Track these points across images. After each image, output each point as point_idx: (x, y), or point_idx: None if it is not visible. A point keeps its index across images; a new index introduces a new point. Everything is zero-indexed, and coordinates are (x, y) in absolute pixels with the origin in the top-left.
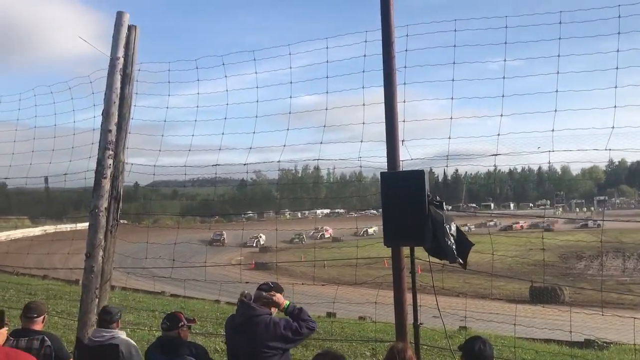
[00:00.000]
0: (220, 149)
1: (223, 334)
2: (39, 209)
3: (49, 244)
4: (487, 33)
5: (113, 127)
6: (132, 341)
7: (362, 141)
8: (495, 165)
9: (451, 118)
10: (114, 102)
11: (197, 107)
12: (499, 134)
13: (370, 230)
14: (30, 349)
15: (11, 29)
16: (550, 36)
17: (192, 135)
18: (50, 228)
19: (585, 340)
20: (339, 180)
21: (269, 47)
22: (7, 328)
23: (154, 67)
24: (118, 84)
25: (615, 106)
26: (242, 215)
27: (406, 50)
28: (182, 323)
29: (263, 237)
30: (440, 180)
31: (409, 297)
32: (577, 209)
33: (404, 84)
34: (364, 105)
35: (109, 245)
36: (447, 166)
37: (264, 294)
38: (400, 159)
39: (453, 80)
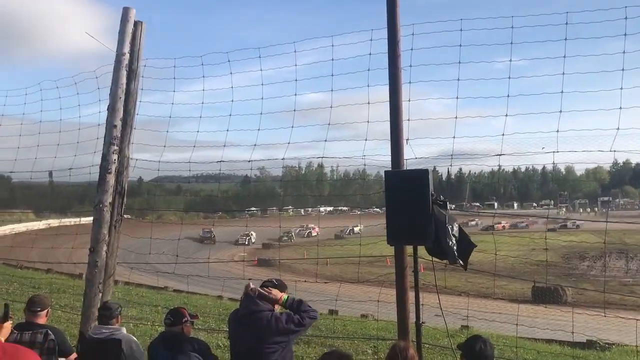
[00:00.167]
0: (224, 146)
1: (226, 330)
2: (44, 203)
3: (53, 237)
4: (493, 33)
5: (118, 123)
6: (132, 337)
7: (366, 139)
8: (499, 165)
9: (456, 117)
10: (120, 98)
11: (202, 103)
12: (503, 134)
13: (356, 229)
14: (34, 343)
15: (16, 23)
16: (556, 37)
17: (197, 132)
18: (54, 222)
19: (587, 341)
20: (342, 178)
21: (274, 45)
22: (11, 321)
23: (160, 63)
24: (124, 80)
25: (620, 107)
26: (246, 212)
27: (412, 49)
28: (186, 319)
29: (254, 234)
30: (444, 179)
31: (411, 295)
32: (581, 210)
33: (409, 82)
34: (368, 103)
35: (113, 240)
36: (451, 165)
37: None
38: (405, 157)
39: (458, 79)
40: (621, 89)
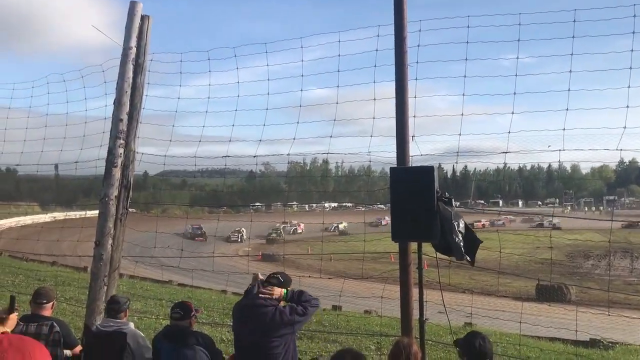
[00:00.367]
0: (230, 141)
1: (229, 324)
2: (49, 196)
3: (58, 230)
4: (500, 30)
5: (124, 117)
6: (139, 332)
7: (372, 135)
8: (505, 163)
9: (462, 114)
10: (126, 92)
11: (208, 98)
12: (509, 132)
13: (341, 226)
14: (39, 334)
15: (23, 16)
16: (564, 34)
17: (203, 126)
18: (59, 215)
19: (591, 339)
20: (347, 174)
21: (280, 40)
22: (17, 313)
23: (166, 57)
24: (130, 74)
25: (627, 106)
26: (250, 207)
27: (418, 46)
28: (193, 312)
29: (244, 230)
30: (449, 176)
31: (415, 292)
32: (586, 208)
33: (416, 79)
34: (374, 99)
35: (118, 234)
36: (456, 162)
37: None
38: (410, 154)
39: (465, 76)
40: (629, 87)
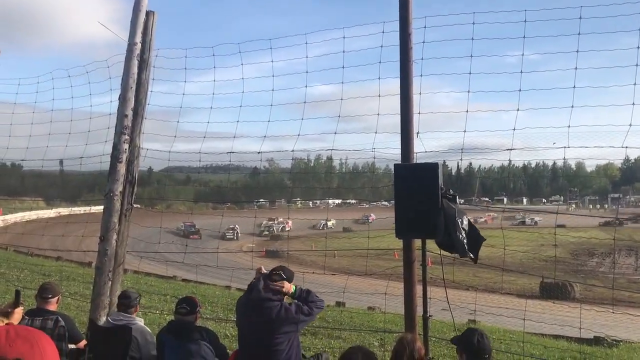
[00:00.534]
0: (234, 137)
1: (233, 320)
2: (54, 192)
3: (63, 226)
4: (506, 26)
5: (129, 112)
6: (147, 328)
7: (376, 132)
8: (509, 160)
9: (467, 111)
10: (131, 87)
11: (213, 94)
12: (514, 129)
13: (329, 224)
14: (44, 329)
15: (27, 11)
16: (570, 31)
17: (207, 122)
18: (64, 210)
19: (595, 337)
20: (351, 171)
21: (285, 36)
22: (22, 307)
23: (171, 53)
24: (135, 70)
25: (633, 103)
26: (254, 203)
27: (423, 42)
28: (199, 307)
29: (238, 227)
30: (453, 173)
31: (419, 289)
32: (591, 206)
33: (421, 75)
34: (379, 96)
35: (123, 229)
36: (461, 159)
37: (272, 284)
38: (414, 151)
39: (470, 73)
40: (634, 84)
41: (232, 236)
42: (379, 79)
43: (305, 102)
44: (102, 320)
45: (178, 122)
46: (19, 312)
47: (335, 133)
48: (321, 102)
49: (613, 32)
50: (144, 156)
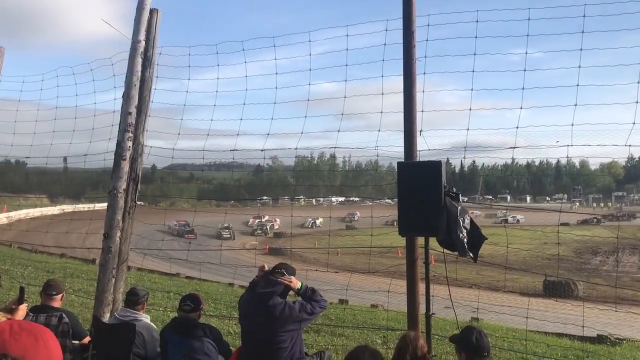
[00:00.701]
0: (238, 134)
1: (236, 317)
2: (58, 189)
3: (67, 223)
4: (509, 24)
5: (133, 110)
6: (153, 325)
7: (379, 130)
8: (513, 158)
9: (470, 109)
10: (135, 85)
11: (217, 91)
12: (517, 127)
13: (318, 222)
14: (48, 325)
15: (32, 8)
16: (573, 29)
17: (211, 120)
18: (68, 207)
19: (598, 335)
20: (354, 169)
21: (288, 34)
22: (26, 304)
23: (175, 51)
24: (139, 67)
25: (637, 102)
26: (258, 201)
27: (427, 40)
28: (202, 304)
29: (232, 226)
30: (456, 171)
31: (421, 287)
32: (594, 204)
33: (424, 73)
34: (382, 94)
35: (127, 226)
36: (464, 157)
37: (280, 279)
38: (418, 149)
39: (473, 71)
40: (638, 83)
41: (228, 235)
42: (382, 76)
43: (308, 100)
44: (106, 317)
45: (182, 119)
46: (23, 309)
47: (339, 131)
48: (324, 99)
49: (617, 31)
50: (148, 154)
